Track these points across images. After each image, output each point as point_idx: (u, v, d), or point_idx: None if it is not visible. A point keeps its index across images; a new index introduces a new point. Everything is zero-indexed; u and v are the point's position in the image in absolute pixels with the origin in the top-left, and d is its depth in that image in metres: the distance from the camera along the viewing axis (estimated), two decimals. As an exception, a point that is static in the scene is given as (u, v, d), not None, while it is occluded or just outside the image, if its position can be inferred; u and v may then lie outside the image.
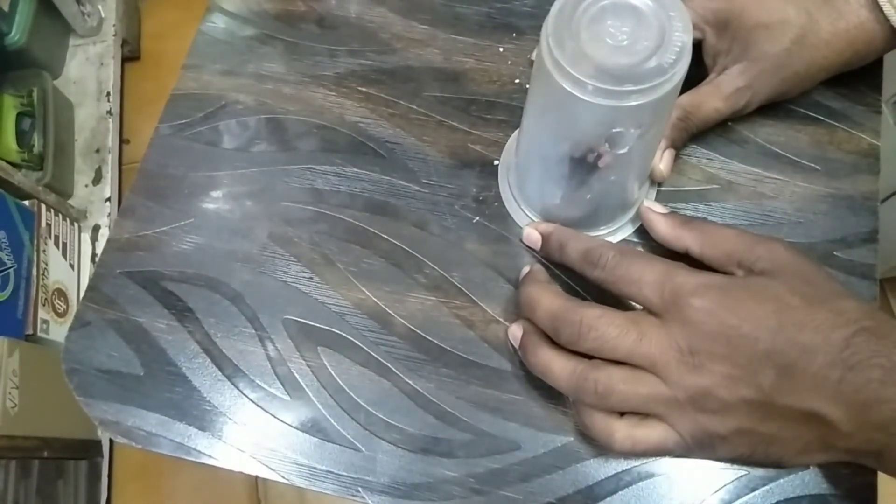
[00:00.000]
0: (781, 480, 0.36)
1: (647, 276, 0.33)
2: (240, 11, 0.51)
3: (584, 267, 0.36)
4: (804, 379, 0.30)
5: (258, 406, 0.39)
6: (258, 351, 0.40)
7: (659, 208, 0.38)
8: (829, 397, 0.29)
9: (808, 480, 0.36)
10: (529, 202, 0.42)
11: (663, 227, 0.37)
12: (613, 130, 0.32)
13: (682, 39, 0.31)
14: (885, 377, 0.28)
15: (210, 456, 0.38)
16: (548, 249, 0.39)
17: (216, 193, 0.45)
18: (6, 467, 0.95)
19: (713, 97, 0.41)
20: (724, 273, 0.34)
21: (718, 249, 0.34)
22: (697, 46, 0.43)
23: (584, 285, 0.40)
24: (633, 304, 0.37)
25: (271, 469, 0.37)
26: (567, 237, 0.38)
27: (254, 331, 0.41)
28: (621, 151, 0.33)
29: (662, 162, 0.41)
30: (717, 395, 0.31)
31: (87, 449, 1.13)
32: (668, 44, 0.31)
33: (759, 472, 0.36)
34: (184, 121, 0.47)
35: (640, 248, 0.41)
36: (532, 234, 0.40)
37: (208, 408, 0.39)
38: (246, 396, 0.39)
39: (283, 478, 0.37)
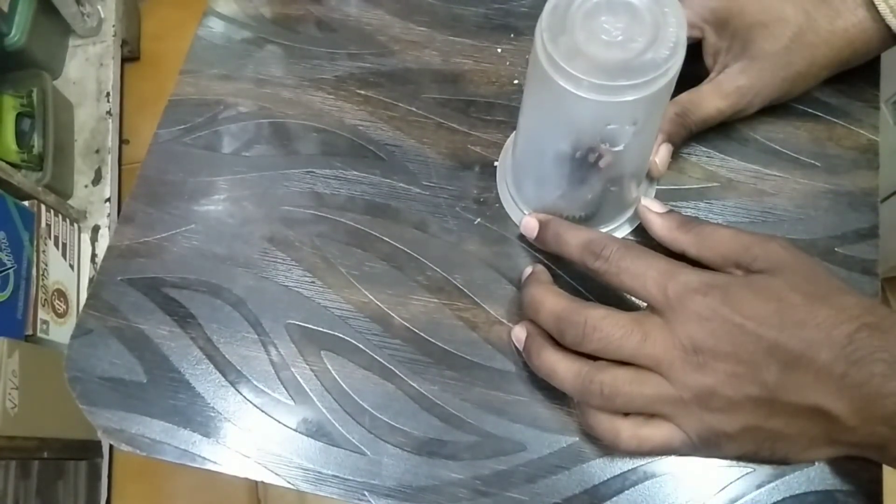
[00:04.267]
0: (787, 477, 0.36)
1: (650, 272, 0.33)
2: (237, 15, 0.51)
3: (585, 257, 0.35)
4: (808, 375, 0.30)
5: (262, 411, 0.39)
6: (261, 356, 0.40)
7: (657, 207, 0.38)
8: (833, 393, 0.30)
9: (814, 476, 0.36)
10: (527, 202, 0.42)
11: (660, 229, 0.37)
12: (609, 127, 0.32)
13: (676, 35, 0.31)
14: (887, 371, 0.28)
15: (215, 462, 0.38)
16: (545, 238, 0.38)
17: (216, 198, 0.45)
18: (6, 467, 0.95)
19: (713, 95, 0.40)
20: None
21: (714, 252, 0.34)
22: (698, 46, 0.43)
23: (586, 285, 0.40)
24: (635, 301, 0.38)
25: (276, 474, 0.37)
26: (566, 226, 0.37)
27: (256, 336, 0.41)
28: (617, 148, 0.33)
29: (658, 156, 0.40)
30: (722, 393, 0.31)
31: (87, 449, 1.14)
32: (662, 39, 0.31)
33: (764, 468, 0.36)
34: (182, 126, 0.47)
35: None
36: (530, 222, 0.39)
37: (212, 414, 0.39)
38: (250, 402, 0.39)
39: (289, 483, 0.37)
